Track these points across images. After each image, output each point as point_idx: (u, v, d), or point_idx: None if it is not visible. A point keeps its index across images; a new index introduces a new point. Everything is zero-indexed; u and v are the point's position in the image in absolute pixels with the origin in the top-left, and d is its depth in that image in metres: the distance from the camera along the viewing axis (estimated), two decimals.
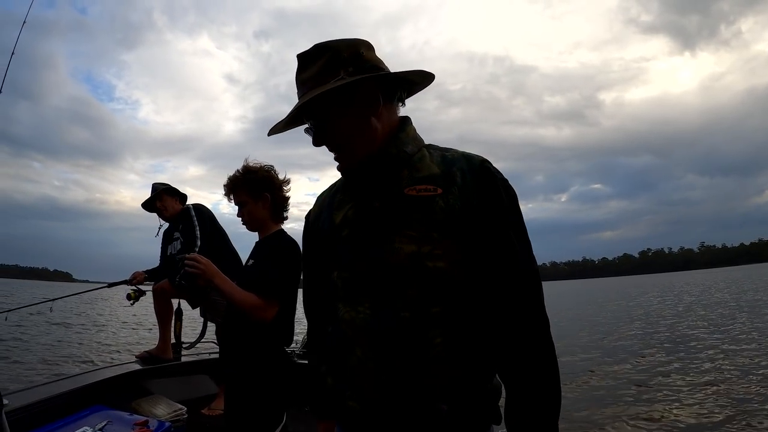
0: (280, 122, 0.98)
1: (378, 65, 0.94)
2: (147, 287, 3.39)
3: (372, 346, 0.88)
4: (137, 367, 2.99)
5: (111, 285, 3.57)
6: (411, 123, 0.99)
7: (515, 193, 0.92)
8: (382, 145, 0.93)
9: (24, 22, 3.33)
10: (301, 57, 0.94)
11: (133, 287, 3.38)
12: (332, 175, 1.09)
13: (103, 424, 2.22)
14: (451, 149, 0.96)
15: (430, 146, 0.98)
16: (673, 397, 5.49)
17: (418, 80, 0.99)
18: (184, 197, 3.48)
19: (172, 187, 3.40)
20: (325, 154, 0.99)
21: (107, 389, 2.59)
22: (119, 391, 2.66)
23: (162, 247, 3.48)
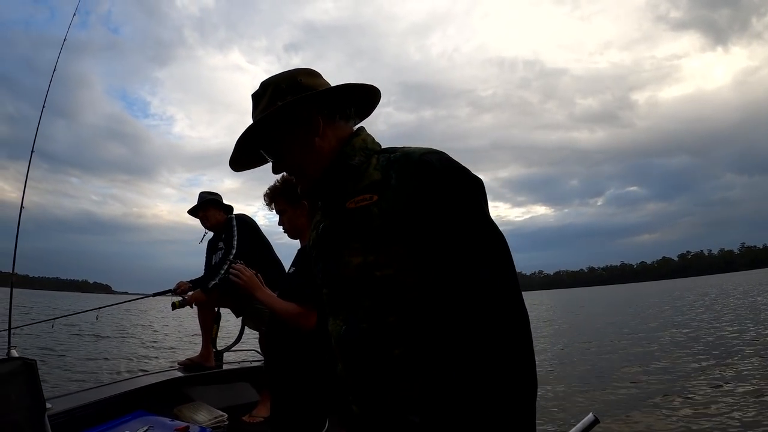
0: (233, 157, 1.01)
1: (316, 89, 0.94)
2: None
3: (344, 358, 0.92)
4: (179, 374, 3.01)
5: (156, 294, 3.63)
6: (360, 134, 0.97)
7: (470, 183, 0.84)
8: (327, 164, 0.94)
9: (64, 39, 3.44)
10: (252, 97, 0.99)
11: (178, 297, 3.41)
12: None
13: (145, 429, 2.21)
14: (400, 149, 0.91)
15: (386, 150, 0.94)
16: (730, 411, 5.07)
17: (362, 93, 0.98)
18: (229, 209, 3.52)
19: (217, 199, 3.44)
20: None
21: (149, 395, 2.60)
22: (161, 398, 2.66)
23: (206, 257, 3.54)
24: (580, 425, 1.16)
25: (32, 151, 2.97)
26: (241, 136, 0.96)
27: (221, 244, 3.34)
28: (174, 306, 3.37)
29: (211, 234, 3.53)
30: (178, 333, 15.24)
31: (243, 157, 1.03)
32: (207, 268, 3.51)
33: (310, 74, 0.98)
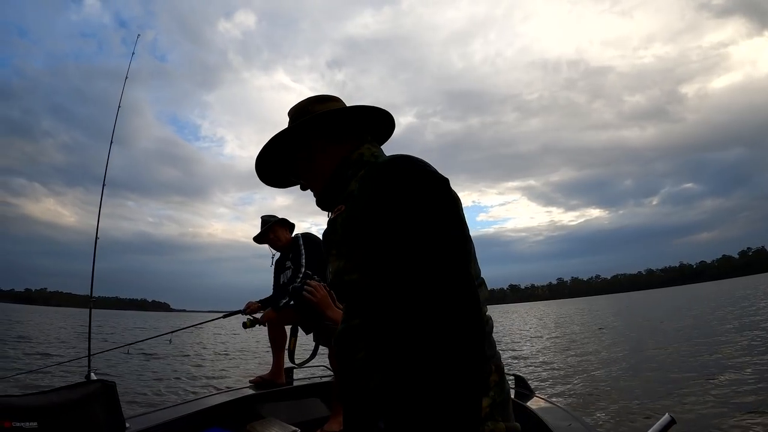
0: (259, 174, 1.17)
1: (318, 112, 1.04)
2: (261, 315, 3.49)
3: (336, 355, 0.99)
4: (251, 391, 3.03)
5: (226, 315, 3.73)
6: (360, 148, 1.04)
7: (415, 186, 0.78)
8: (326, 182, 1.04)
9: (126, 77, 3.65)
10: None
11: (249, 316, 3.48)
12: None
13: None
14: (381, 158, 0.98)
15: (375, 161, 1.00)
16: None
17: (372, 113, 1.06)
18: (293, 227, 3.60)
19: (282, 219, 3.52)
20: None
21: (222, 413, 2.64)
22: (233, 415, 2.70)
23: (275, 276, 3.59)
24: (656, 426, 1.14)
25: (104, 184, 3.15)
26: (257, 158, 1.11)
27: (289, 263, 3.39)
28: (245, 325, 3.43)
29: (278, 254, 3.59)
30: (247, 351, 15.71)
31: (274, 176, 1.19)
32: (276, 287, 3.56)
33: (320, 100, 1.10)
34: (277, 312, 3.28)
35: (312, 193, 1.11)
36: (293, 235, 3.55)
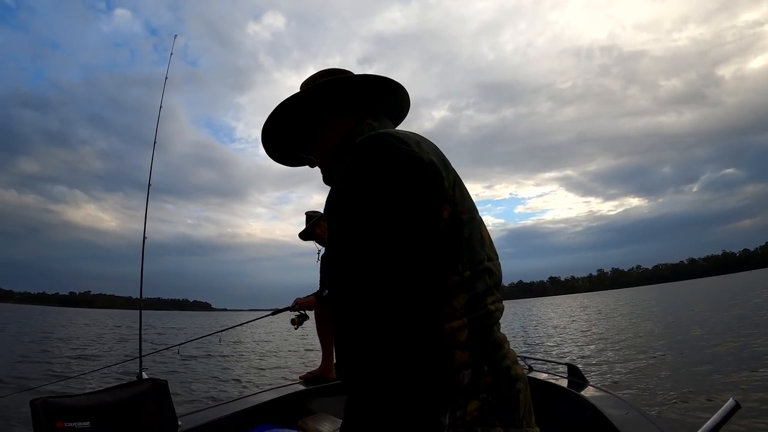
0: (264, 145, 1.09)
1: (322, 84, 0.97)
2: (309, 311, 3.49)
3: None
4: (301, 387, 3.02)
5: (275, 312, 3.71)
6: (361, 124, 0.97)
7: (374, 166, 0.76)
8: (328, 160, 0.99)
9: (165, 79, 3.66)
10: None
11: (297, 312, 3.48)
12: None
13: None
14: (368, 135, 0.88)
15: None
16: None
17: (384, 87, 1.00)
18: None
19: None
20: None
21: (273, 409, 2.62)
22: (285, 411, 2.67)
23: (321, 272, 3.53)
24: (721, 411, 1.12)
25: (149, 185, 3.18)
26: (262, 130, 1.04)
27: None
28: (293, 322, 3.44)
29: (323, 249, 3.54)
30: (297, 347, 15.96)
31: (284, 153, 1.13)
32: (322, 282, 3.51)
33: (329, 73, 1.05)
34: (319, 301, 3.27)
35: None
36: None
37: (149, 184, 3.23)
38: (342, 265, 0.76)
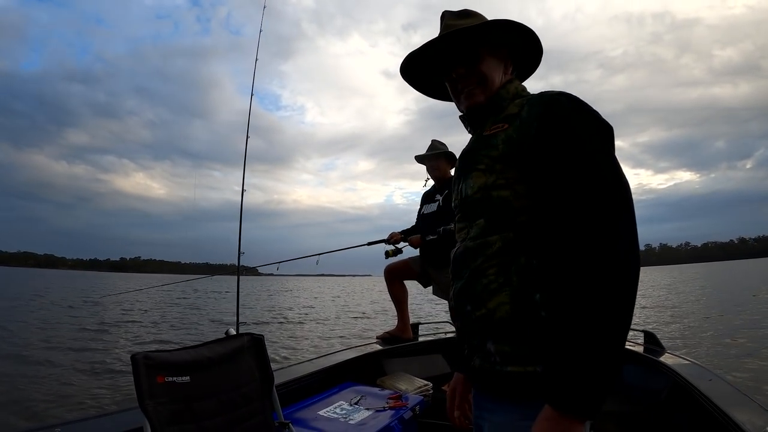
0: (413, 54, 1.07)
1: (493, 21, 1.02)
2: (403, 245, 3.55)
3: (451, 273, 1.01)
4: (378, 347, 3.04)
5: (370, 243, 3.73)
6: (515, 81, 1.06)
7: (595, 122, 0.86)
8: (491, 95, 1.02)
9: (255, 60, 3.62)
10: (450, 12, 1.09)
11: (391, 246, 3.51)
12: None
13: (357, 398, 2.20)
14: (544, 92, 0.95)
15: (530, 95, 1.00)
16: None
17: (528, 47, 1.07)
18: (455, 165, 3.38)
19: (452, 154, 3.34)
20: None
21: (354, 368, 2.64)
22: (364, 370, 2.69)
23: (420, 206, 3.54)
24: None
25: (245, 162, 3.54)
26: (417, 50, 1.06)
27: (438, 197, 3.30)
28: (387, 254, 3.50)
29: (431, 183, 3.48)
30: (375, 307, 16.39)
31: (415, 70, 1.14)
32: (419, 217, 3.49)
33: (477, 15, 1.09)
34: (423, 243, 3.27)
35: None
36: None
37: (245, 162, 3.53)
38: (594, 177, 0.78)
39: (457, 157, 1.13)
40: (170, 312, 15.37)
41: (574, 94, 0.90)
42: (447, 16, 1.08)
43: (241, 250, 3.35)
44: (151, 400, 1.22)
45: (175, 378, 1.32)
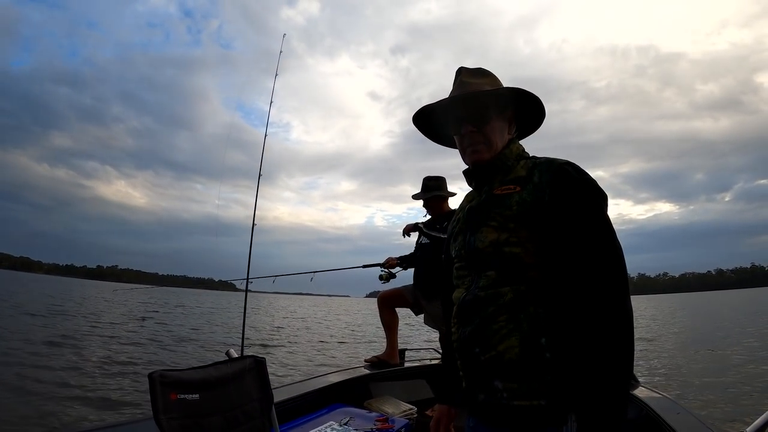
0: (427, 108, 1.22)
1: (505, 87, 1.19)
2: (397, 270, 3.67)
3: (457, 317, 1.11)
4: (366, 371, 3.15)
5: (366, 266, 3.84)
6: (516, 141, 1.20)
7: (598, 192, 1.01)
8: (496, 153, 1.15)
9: (275, 75, 3.80)
10: (465, 70, 1.21)
11: (385, 270, 3.63)
12: None
13: (347, 419, 2.33)
14: (545, 158, 1.10)
15: (531, 157, 1.15)
16: None
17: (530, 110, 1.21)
18: (453, 195, 3.52)
19: (443, 195, 3.42)
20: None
21: (342, 390, 2.74)
22: (352, 392, 2.80)
23: (419, 236, 3.60)
24: (764, 416, 1.23)
25: (260, 175, 3.77)
26: (457, 97, 1.16)
27: (438, 226, 3.37)
28: (381, 278, 3.61)
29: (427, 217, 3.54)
30: (363, 332, 16.40)
31: (426, 122, 1.27)
32: (418, 246, 3.55)
33: (491, 75, 1.22)
34: (415, 287, 3.39)
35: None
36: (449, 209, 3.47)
37: (260, 174, 3.78)
38: (599, 244, 0.96)
39: (458, 207, 1.29)
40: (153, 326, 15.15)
41: (576, 164, 1.06)
42: (463, 73, 1.19)
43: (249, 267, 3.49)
44: (165, 415, 1.35)
45: (186, 395, 1.45)
